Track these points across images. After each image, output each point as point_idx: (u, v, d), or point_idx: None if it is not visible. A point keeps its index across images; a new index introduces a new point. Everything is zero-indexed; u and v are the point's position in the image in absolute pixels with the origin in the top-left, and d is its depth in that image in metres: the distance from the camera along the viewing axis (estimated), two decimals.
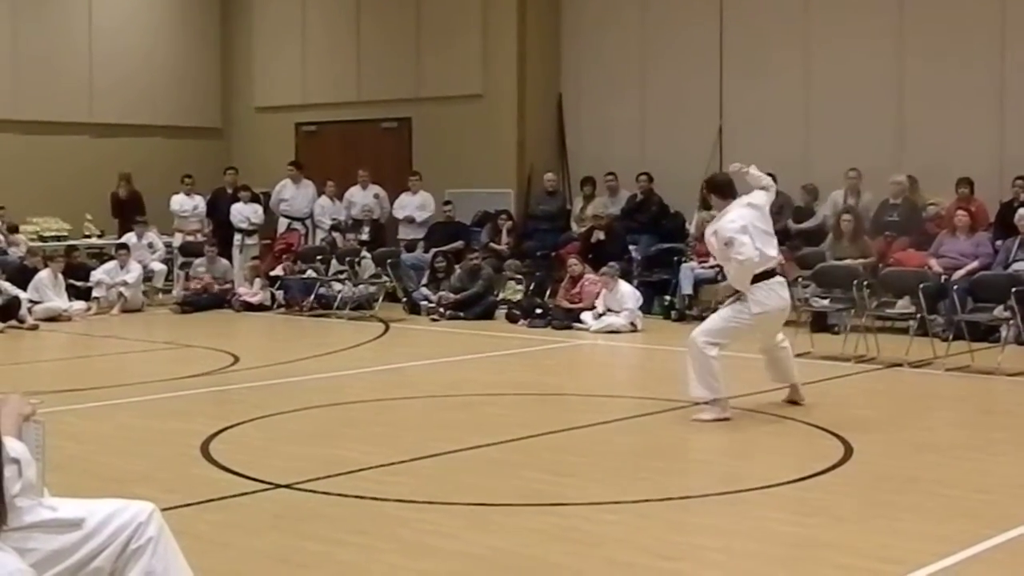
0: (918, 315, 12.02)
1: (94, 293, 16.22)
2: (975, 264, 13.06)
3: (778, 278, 8.82)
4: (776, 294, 8.72)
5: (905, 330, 12.41)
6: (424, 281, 16.43)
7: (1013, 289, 11.36)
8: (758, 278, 8.63)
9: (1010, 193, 14.00)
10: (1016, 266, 12.69)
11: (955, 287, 12.23)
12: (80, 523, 3.48)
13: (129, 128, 19.57)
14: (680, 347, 12.69)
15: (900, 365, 11.23)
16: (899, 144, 15.44)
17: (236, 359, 11.84)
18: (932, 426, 9.01)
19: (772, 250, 8.71)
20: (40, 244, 17.29)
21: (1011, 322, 11.59)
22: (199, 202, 18.54)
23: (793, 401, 9.16)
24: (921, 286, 11.83)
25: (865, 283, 12.21)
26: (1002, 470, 7.27)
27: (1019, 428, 8.80)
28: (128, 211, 18.02)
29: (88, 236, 18.34)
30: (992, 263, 13.01)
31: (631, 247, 15.98)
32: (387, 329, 14.55)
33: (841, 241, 13.92)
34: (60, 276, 15.73)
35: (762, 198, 8.83)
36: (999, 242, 13.36)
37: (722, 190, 8.90)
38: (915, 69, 15.33)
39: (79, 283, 16.27)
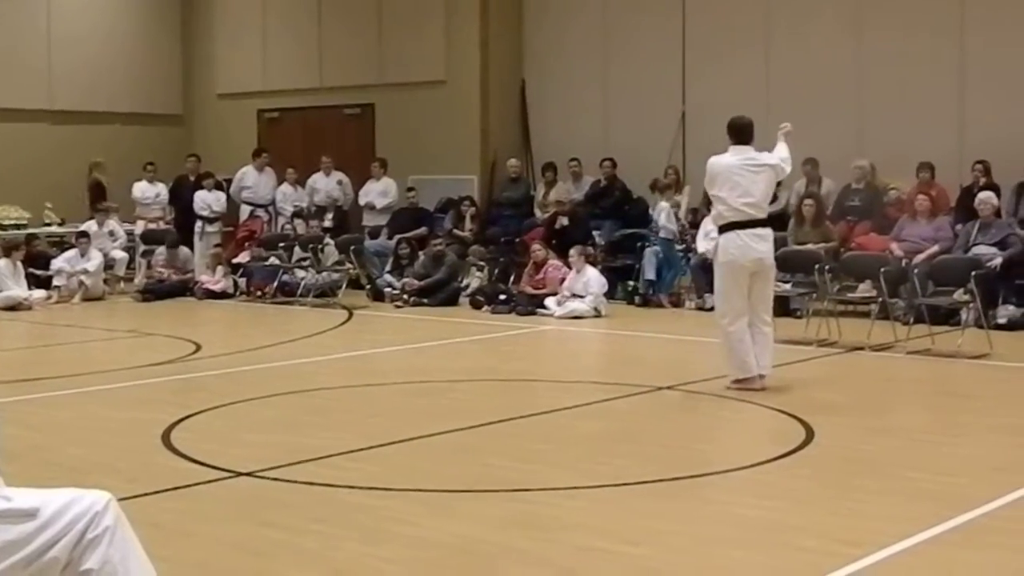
0: (879, 299, 12.10)
1: (55, 282, 16.08)
2: (936, 248, 13.14)
3: (755, 229, 8.96)
4: (745, 243, 8.81)
5: (866, 314, 12.49)
6: (388, 268, 16.39)
7: (973, 273, 11.44)
8: (728, 227, 8.77)
9: (970, 178, 14.09)
10: (976, 250, 12.78)
11: (916, 271, 12.31)
12: (35, 513, 3.44)
13: (89, 115, 19.39)
14: (643, 332, 12.80)
15: (861, 349, 11.30)
16: (860, 129, 15.49)
17: (198, 347, 11.78)
18: (893, 409, 9.07)
19: (743, 201, 8.95)
20: None
21: (971, 305, 11.67)
22: (161, 189, 18.40)
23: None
24: (882, 270, 11.90)
25: (827, 267, 12.27)
26: (962, 452, 7.33)
27: (979, 411, 8.87)
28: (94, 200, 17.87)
29: (48, 224, 18.18)
30: (952, 247, 13.10)
31: (594, 232, 16.00)
32: (351, 316, 14.51)
33: (803, 226, 13.97)
34: (19, 264, 15.58)
35: (766, 158, 9.27)
36: (959, 226, 13.45)
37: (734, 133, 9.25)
38: (876, 54, 15.38)
39: (39, 272, 16.14)
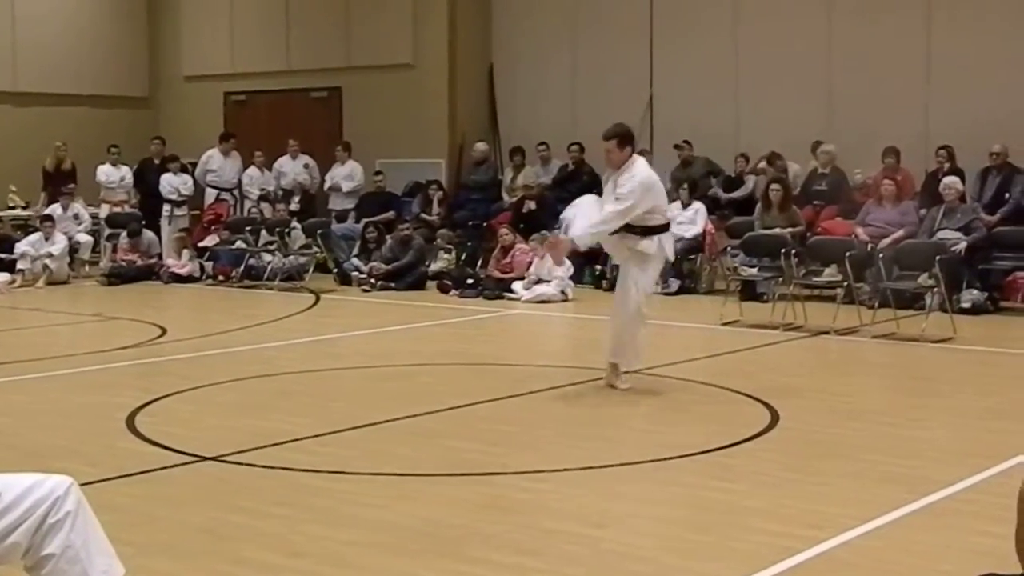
0: (845, 283, 12.16)
1: (19, 265, 15.95)
2: (901, 233, 13.21)
3: (669, 233, 8.87)
4: (664, 245, 8.72)
5: (832, 298, 12.55)
6: (355, 252, 16.34)
7: (937, 257, 11.52)
8: (656, 230, 8.64)
9: (935, 163, 14.17)
10: (941, 234, 12.86)
11: (881, 255, 12.38)
12: None
13: (54, 97, 19.24)
14: (610, 316, 12.78)
15: (827, 333, 11.36)
16: (828, 114, 15.56)
17: (164, 331, 11.72)
18: (857, 393, 9.12)
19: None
20: None
21: (935, 290, 11.75)
22: (126, 173, 18.28)
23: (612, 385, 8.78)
24: (848, 254, 11.97)
25: (793, 252, 12.32)
26: (925, 435, 7.39)
27: (942, 394, 8.94)
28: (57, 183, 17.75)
29: (12, 207, 18.03)
30: (917, 232, 13.18)
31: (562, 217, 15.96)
32: (318, 300, 14.47)
33: (770, 210, 14.01)
34: None
35: None
36: (924, 211, 13.52)
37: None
38: (843, 39, 15.46)
39: (3, 255, 16.02)
